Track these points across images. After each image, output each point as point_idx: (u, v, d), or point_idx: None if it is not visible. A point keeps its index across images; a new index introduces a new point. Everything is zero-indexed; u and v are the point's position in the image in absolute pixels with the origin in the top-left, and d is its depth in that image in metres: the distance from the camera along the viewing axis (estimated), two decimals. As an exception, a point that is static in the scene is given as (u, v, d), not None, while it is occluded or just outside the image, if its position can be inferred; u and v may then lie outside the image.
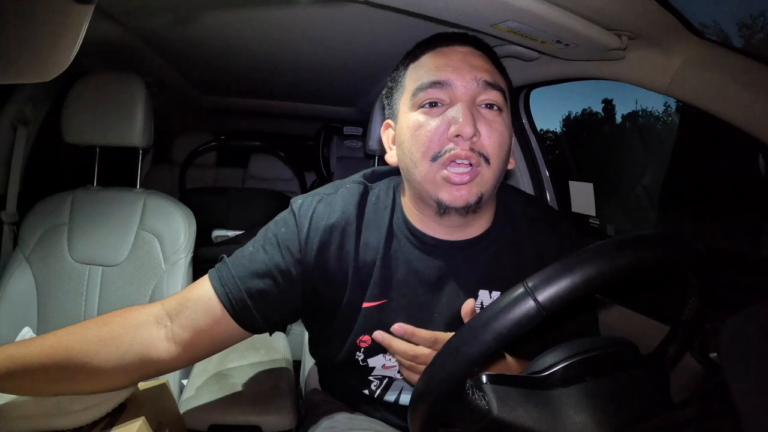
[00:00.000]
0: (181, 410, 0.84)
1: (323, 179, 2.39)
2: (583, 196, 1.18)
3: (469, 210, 0.62)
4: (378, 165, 1.43)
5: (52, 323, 1.04)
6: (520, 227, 0.71)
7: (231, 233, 2.00)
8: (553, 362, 0.49)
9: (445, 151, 0.60)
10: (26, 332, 0.74)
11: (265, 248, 0.67)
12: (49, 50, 0.56)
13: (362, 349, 0.71)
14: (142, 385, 0.80)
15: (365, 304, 0.68)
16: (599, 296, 1.01)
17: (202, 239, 1.26)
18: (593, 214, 1.17)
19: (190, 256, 1.08)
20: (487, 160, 0.61)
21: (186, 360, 0.66)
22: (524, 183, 1.33)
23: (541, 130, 1.41)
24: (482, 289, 0.68)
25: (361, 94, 1.80)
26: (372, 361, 0.72)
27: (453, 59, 0.63)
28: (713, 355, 0.77)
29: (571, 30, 0.75)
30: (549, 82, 1.14)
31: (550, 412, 0.45)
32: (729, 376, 0.40)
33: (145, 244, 1.07)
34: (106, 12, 1.04)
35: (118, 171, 1.36)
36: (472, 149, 0.59)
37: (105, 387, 0.63)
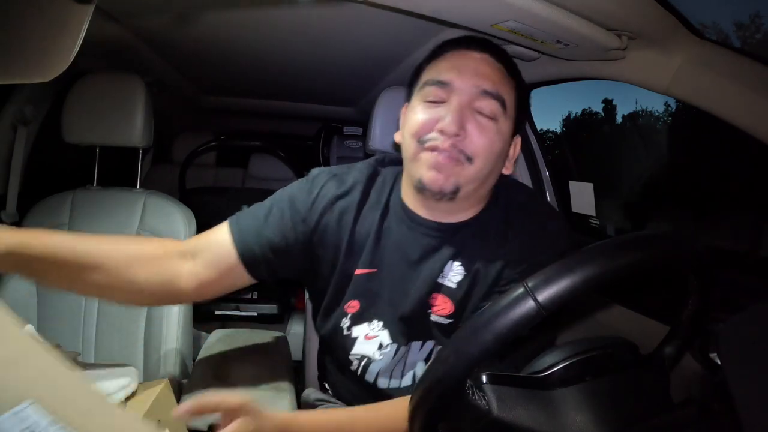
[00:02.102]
0: (181, 410, 0.84)
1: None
2: (583, 196, 1.18)
3: (444, 197, 0.66)
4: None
5: (52, 324, 1.04)
6: (512, 221, 0.74)
7: (231, 233, 2.00)
8: (553, 362, 0.49)
9: (429, 139, 0.66)
10: (29, 330, 0.74)
11: (279, 206, 0.73)
12: (49, 50, 0.56)
13: (348, 316, 0.75)
14: (143, 385, 0.80)
15: (357, 271, 0.73)
16: (599, 296, 1.01)
17: (202, 239, 1.26)
18: (593, 214, 1.17)
19: (190, 256, 1.08)
20: (469, 159, 0.65)
21: (199, 296, 0.73)
22: (524, 183, 1.33)
23: (541, 130, 1.41)
24: (450, 260, 0.72)
25: (361, 94, 1.79)
26: (356, 330, 0.75)
27: (463, 63, 0.68)
28: (713, 355, 0.77)
29: (571, 30, 0.75)
30: (549, 82, 1.14)
31: (550, 412, 0.45)
32: (729, 376, 0.40)
33: (145, 244, 1.07)
34: (106, 12, 1.04)
35: (118, 171, 1.36)
36: (454, 146, 0.64)
37: (121, 299, 0.73)
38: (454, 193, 0.66)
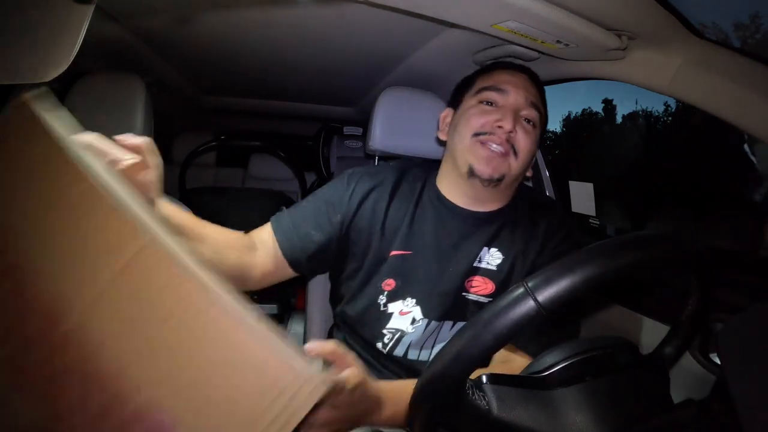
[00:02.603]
0: (181, 410, 0.84)
1: (323, 179, 2.38)
2: (583, 196, 1.18)
3: (491, 182, 0.78)
4: (378, 165, 1.43)
5: (52, 323, 1.04)
6: (535, 212, 0.86)
7: (231, 233, 2.00)
8: (553, 362, 0.49)
9: (486, 133, 0.78)
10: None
11: (316, 204, 0.84)
12: (49, 50, 0.56)
13: (385, 293, 0.81)
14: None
15: (393, 252, 0.81)
16: (599, 296, 1.01)
17: (202, 239, 1.26)
18: (593, 214, 1.17)
19: (190, 256, 1.08)
20: (516, 153, 0.79)
21: (259, 285, 0.81)
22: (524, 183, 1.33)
23: (541, 130, 1.41)
24: (485, 246, 0.82)
25: (361, 94, 1.79)
26: (391, 306, 0.82)
27: (515, 78, 0.82)
28: (713, 355, 0.77)
29: (571, 30, 0.75)
30: (549, 82, 1.14)
31: (550, 412, 0.45)
32: (729, 376, 0.40)
33: (145, 244, 1.07)
34: (106, 12, 1.04)
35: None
36: (507, 140, 0.77)
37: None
38: (499, 181, 0.78)
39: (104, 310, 0.30)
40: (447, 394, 0.43)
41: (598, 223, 1.23)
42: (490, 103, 0.81)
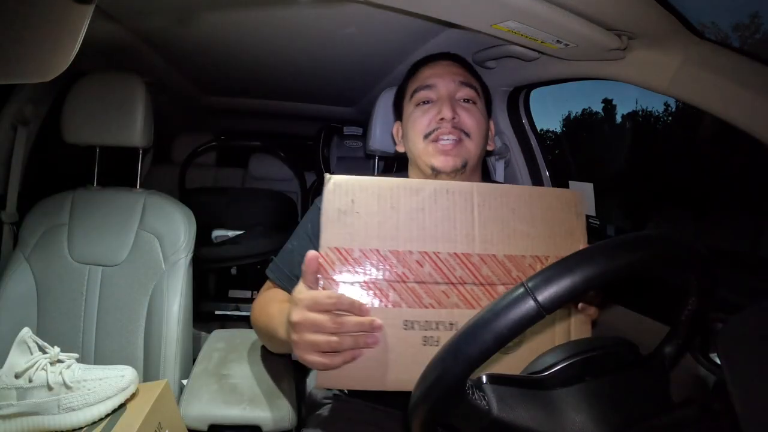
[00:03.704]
0: (181, 410, 0.84)
1: (323, 179, 2.38)
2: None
3: (457, 172, 0.82)
4: (378, 165, 1.43)
5: (52, 323, 1.04)
6: None
7: (231, 233, 2.00)
8: (553, 362, 0.49)
9: (434, 130, 0.82)
10: (25, 333, 0.74)
11: (300, 241, 0.85)
12: (49, 50, 0.56)
13: None
14: (143, 386, 0.80)
15: None
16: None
17: (202, 239, 1.26)
18: (593, 213, 1.17)
19: (190, 256, 1.08)
20: (467, 134, 0.82)
21: None
22: (524, 183, 1.33)
23: (541, 130, 1.41)
24: None
25: (361, 94, 1.79)
26: None
27: (437, 69, 0.87)
28: (713, 355, 0.77)
29: (571, 30, 0.75)
30: (549, 82, 1.14)
31: (550, 412, 0.45)
32: (729, 376, 0.40)
33: (145, 244, 1.07)
34: (106, 12, 1.04)
35: (118, 171, 1.36)
36: (454, 127, 0.81)
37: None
38: (464, 167, 0.82)
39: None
40: (447, 394, 0.43)
41: (598, 223, 1.22)
42: (426, 102, 0.84)
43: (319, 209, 0.83)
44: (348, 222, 0.56)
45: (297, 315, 0.54)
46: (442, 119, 0.80)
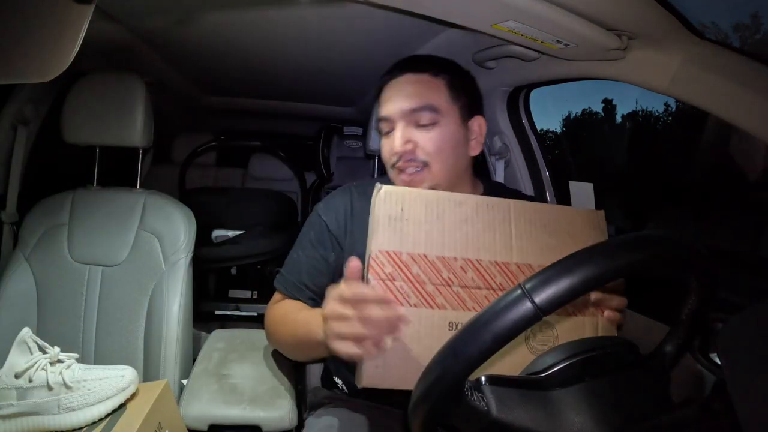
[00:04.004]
0: (181, 410, 0.84)
1: (323, 179, 2.38)
2: (583, 196, 1.18)
3: None
4: (378, 165, 1.43)
5: (52, 323, 1.04)
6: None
7: (231, 233, 2.00)
8: (552, 362, 0.49)
9: (394, 163, 0.81)
10: (25, 333, 0.74)
11: (305, 252, 0.86)
12: (49, 50, 0.56)
13: None
14: (143, 386, 0.80)
15: None
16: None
17: (202, 239, 1.26)
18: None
19: (190, 256, 1.08)
20: (426, 164, 0.79)
21: None
22: (524, 183, 1.33)
23: (541, 130, 1.41)
24: None
25: (361, 94, 1.79)
26: None
27: (392, 93, 0.82)
28: (713, 355, 0.77)
29: (571, 30, 0.75)
30: (549, 82, 1.14)
31: (549, 412, 0.45)
32: (729, 376, 0.40)
33: (145, 244, 1.07)
34: (106, 12, 1.04)
35: (118, 171, 1.36)
36: (409, 160, 0.79)
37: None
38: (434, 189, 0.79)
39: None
40: (446, 395, 0.43)
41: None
42: (387, 131, 0.83)
43: (319, 216, 0.87)
44: (398, 228, 0.61)
45: (327, 308, 0.59)
46: (395, 153, 0.80)
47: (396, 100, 0.80)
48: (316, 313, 0.73)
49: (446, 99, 0.80)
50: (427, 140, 0.79)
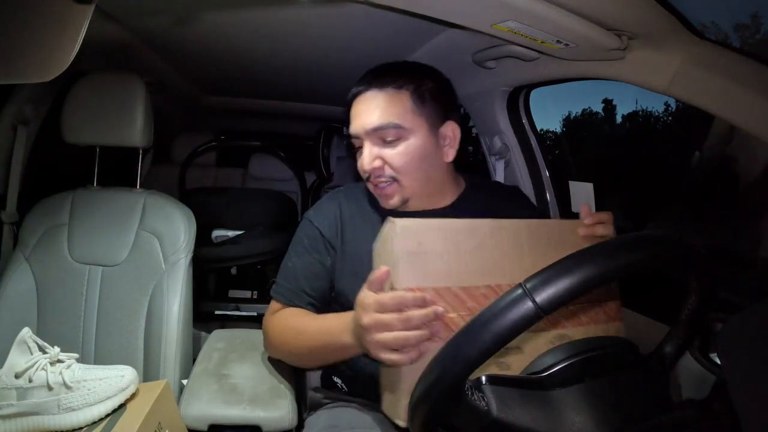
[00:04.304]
0: (181, 410, 0.84)
1: (323, 179, 2.38)
2: (583, 196, 1.18)
3: (399, 208, 0.83)
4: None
5: (52, 323, 1.04)
6: (493, 199, 0.91)
7: (231, 233, 2.00)
8: (552, 362, 0.49)
9: (367, 178, 0.83)
10: (25, 333, 0.74)
11: (300, 258, 0.86)
12: (49, 50, 0.56)
13: None
14: (143, 386, 0.80)
15: None
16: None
17: (202, 239, 1.26)
18: (593, 214, 1.17)
19: (190, 256, 1.08)
20: (395, 179, 0.80)
21: None
22: (524, 183, 1.33)
23: (541, 130, 1.41)
24: None
25: (361, 94, 1.79)
26: None
27: (358, 110, 0.83)
28: (713, 355, 0.77)
29: (571, 30, 0.75)
30: (549, 82, 1.14)
31: (549, 412, 0.45)
32: (729, 376, 0.40)
33: (145, 244, 1.07)
34: (106, 12, 1.04)
35: (118, 171, 1.36)
36: (378, 177, 0.81)
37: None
38: (405, 203, 0.83)
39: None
40: (446, 394, 0.43)
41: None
42: (358, 147, 0.84)
43: (311, 222, 0.88)
44: (418, 262, 0.60)
45: (367, 318, 0.59)
46: (365, 171, 0.82)
47: (361, 118, 0.82)
48: (336, 319, 0.73)
49: (411, 112, 0.80)
50: (393, 156, 0.79)
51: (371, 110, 0.81)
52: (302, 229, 0.89)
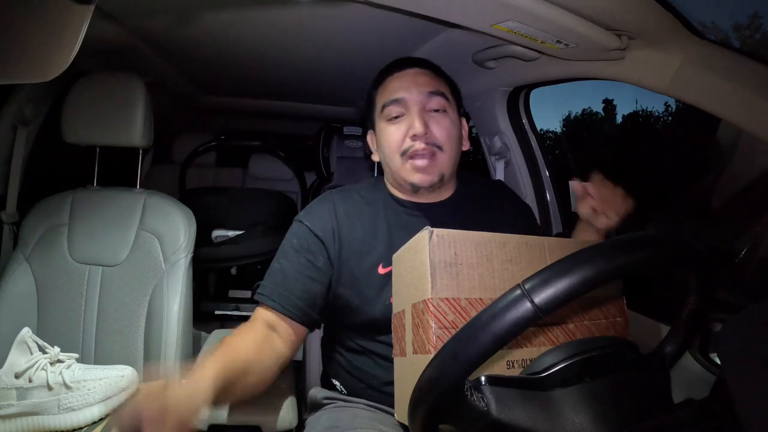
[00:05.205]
0: (181, 410, 0.84)
1: (323, 179, 2.38)
2: (583, 196, 1.18)
3: (434, 186, 0.85)
4: (378, 165, 1.43)
5: (52, 323, 1.04)
6: (484, 192, 0.94)
7: (231, 233, 2.00)
8: (552, 362, 0.49)
9: (408, 148, 0.82)
10: (25, 333, 0.74)
11: (289, 259, 0.82)
12: (49, 50, 0.56)
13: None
14: (142, 386, 0.80)
15: (382, 271, 0.81)
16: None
17: (202, 239, 1.26)
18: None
19: (190, 256, 1.08)
20: (440, 148, 0.82)
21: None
22: (524, 183, 1.33)
23: (541, 130, 1.41)
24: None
25: (361, 94, 1.78)
26: None
27: (404, 81, 0.85)
28: (713, 355, 0.77)
29: (571, 30, 0.75)
30: (549, 82, 1.14)
31: (549, 412, 0.45)
32: (729, 376, 0.40)
33: (145, 244, 1.07)
34: (106, 12, 1.04)
35: (118, 171, 1.36)
36: (427, 143, 0.81)
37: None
38: (441, 181, 0.84)
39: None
40: (445, 395, 0.43)
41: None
42: (396, 116, 0.83)
43: (301, 222, 0.85)
44: (453, 273, 0.61)
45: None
46: (414, 135, 0.81)
47: (410, 85, 0.83)
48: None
49: (449, 92, 0.87)
50: (440, 126, 0.82)
51: (421, 81, 0.84)
52: (291, 232, 0.86)
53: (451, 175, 0.87)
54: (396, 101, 0.83)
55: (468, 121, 1.07)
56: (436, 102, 0.83)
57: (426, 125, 0.80)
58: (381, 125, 0.86)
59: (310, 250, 0.82)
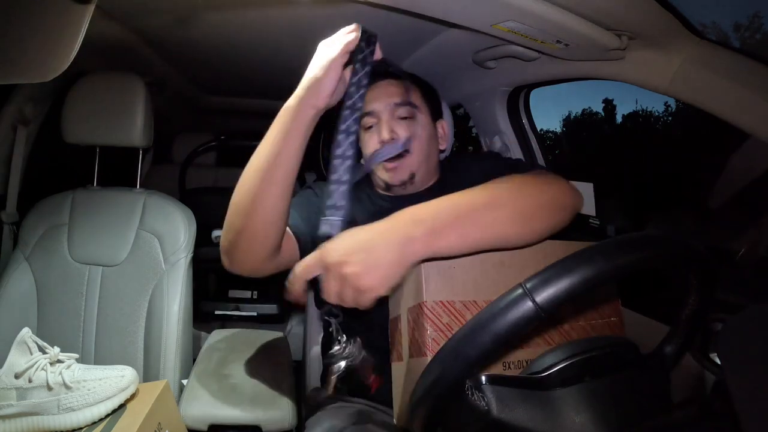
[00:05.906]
0: (181, 410, 0.84)
1: (323, 179, 2.38)
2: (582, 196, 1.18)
3: (406, 184, 0.92)
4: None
5: (52, 323, 1.04)
6: (471, 170, 0.96)
7: (231, 233, 2.00)
8: (552, 362, 0.49)
9: (378, 152, 0.89)
10: (25, 333, 0.74)
11: (302, 201, 0.89)
12: (49, 50, 0.56)
13: None
14: (143, 386, 0.80)
15: None
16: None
17: (202, 239, 1.26)
18: (593, 214, 1.17)
19: (190, 256, 1.08)
20: (407, 150, 0.90)
21: (277, 267, 0.80)
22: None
23: (541, 130, 1.42)
24: None
25: (361, 94, 1.79)
26: None
27: (376, 92, 0.93)
28: (713, 355, 0.77)
29: (571, 30, 0.75)
30: (549, 82, 1.14)
31: (549, 412, 0.45)
32: (729, 376, 0.40)
33: (145, 244, 1.07)
34: (106, 12, 1.04)
35: (118, 171, 1.36)
36: (394, 144, 0.88)
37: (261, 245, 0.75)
38: (412, 178, 0.92)
39: None
40: (446, 395, 0.43)
41: (598, 223, 1.22)
42: (370, 126, 0.93)
43: (310, 190, 0.93)
44: (448, 276, 0.61)
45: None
46: (382, 141, 0.90)
47: (381, 97, 0.92)
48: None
49: (420, 99, 0.95)
50: (406, 130, 0.91)
51: (391, 92, 0.93)
52: (303, 193, 0.93)
53: (425, 171, 0.95)
54: (369, 113, 0.93)
55: (467, 122, 1.07)
56: (404, 111, 0.92)
57: (391, 131, 0.90)
58: (361, 133, 0.94)
59: (316, 206, 0.88)
